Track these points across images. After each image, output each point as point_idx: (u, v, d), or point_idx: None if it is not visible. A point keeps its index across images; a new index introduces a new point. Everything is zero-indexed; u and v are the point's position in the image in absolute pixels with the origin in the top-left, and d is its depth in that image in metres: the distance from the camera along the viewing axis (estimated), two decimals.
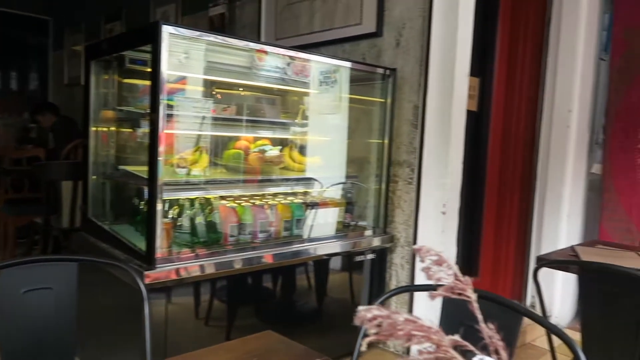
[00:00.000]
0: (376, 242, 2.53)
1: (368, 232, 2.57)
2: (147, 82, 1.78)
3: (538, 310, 3.31)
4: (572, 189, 3.30)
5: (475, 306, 0.42)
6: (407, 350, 2.28)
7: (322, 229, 2.42)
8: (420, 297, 2.46)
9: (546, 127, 3.29)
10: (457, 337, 0.40)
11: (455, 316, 1.14)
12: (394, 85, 2.46)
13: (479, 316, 0.41)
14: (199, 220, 2.05)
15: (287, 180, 2.49)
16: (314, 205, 2.39)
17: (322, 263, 2.37)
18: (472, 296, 0.41)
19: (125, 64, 2.17)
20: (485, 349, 0.41)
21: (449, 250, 2.46)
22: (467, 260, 3.38)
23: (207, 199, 2.12)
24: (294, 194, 2.48)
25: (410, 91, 2.44)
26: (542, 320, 1.01)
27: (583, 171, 3.44)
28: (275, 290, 2.25)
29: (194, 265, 1.87)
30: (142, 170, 1.89)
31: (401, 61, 2.47)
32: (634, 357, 1.46)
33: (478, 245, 3.39)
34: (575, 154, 3.28)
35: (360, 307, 0.39)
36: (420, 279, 2.43)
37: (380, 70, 2.48)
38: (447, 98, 2.32)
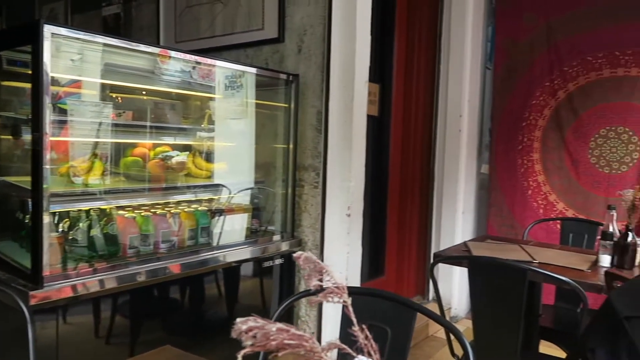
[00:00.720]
0: (284, 246, 2.55)
1: (276, 237, 2.58)
2: (29, 85, 1.64)
3: (444, 303, 3.52)
4: (465, 188, 3.56)
5: (350, 310, 0.43)
6: None
7: (229, 236, 2.39)
8: None
9: (441, 131, 3.52)
10: (336, 341, 0.42)
11: (356, 317, 1.18)
12: (296, 91, 2.50)
13: (354, 319, 0.43)
14: (95, 232, 1.93)
15: (192, 187, 2.42)
16: (219, 212, 2.34)
17: (231, 270, 2.34)
18: (347, 301, 0.43)
19: (3, 65, 1.98)
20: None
21: (355, 251, 2.54)
22: (374, 261, 3.52)
23: (103, 210, 2.00)
24: (199, 201, 2.42)
25: (313, 96, 2.49)
26: (431, 313, 1.08)
27: (474, 171, 3.73)
28: (184, 302, 2.18)
29: (92, 280, 1.76)
30: (25, 180, 1.74)
31: (303, 67, 2.51)
32: (518, 340, 1.61)
33: (383, 246, 3.53)
34: (467, 155, 3.54)
35: (238, 319, 0.39)
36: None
37: (283, 76, 2.50)
38: (348, 103, 2.40)
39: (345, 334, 1.18)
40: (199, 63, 2.23)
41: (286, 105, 2.55)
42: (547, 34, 3.44)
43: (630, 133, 3.19)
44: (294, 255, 0.49)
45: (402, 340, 1.10)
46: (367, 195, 3.25)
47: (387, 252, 3.54)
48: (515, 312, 1.58)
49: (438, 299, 1.83)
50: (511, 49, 3.58)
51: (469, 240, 2.46)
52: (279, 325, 0.38)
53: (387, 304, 1.15)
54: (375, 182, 3.40)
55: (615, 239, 2.02)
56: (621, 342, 0.66)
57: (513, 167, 3.61)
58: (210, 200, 2.46)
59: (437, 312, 1.94)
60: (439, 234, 3.51)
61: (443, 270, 3.52)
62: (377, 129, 3.40)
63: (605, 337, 0.69)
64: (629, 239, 1.98)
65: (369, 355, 0.39)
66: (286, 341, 0.37)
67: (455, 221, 3.49)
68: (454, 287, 3.52)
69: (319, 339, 2.47)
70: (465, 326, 3.23)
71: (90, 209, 1.96)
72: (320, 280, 0.44)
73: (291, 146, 2.53)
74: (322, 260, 2.45)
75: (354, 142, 2.43)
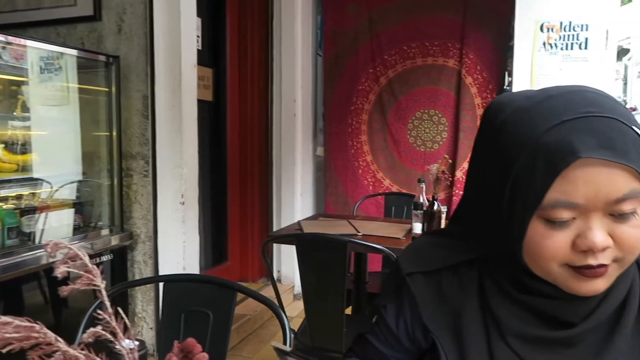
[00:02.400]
0: (114, 241, 2.38)
1: (105, 232, 2.40)
2: None
3: (287, 282, 3.63)
4: (302, 170, 3.71)
5: (104, 294, 0.42)
6: None
7: (50, 235, 2.15)
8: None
9: (277, 115, 3.60)
10: (96, 330, 0.40)
11: (177, 304, 1.16)
12: (117, 74, 2.33)
13: (107, 303, 0.41)
14: None
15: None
16: (31, 209, 2.09)
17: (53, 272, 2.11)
18: (101, 285, 0.41)
19: None
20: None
21: (192, 239, 2.48)
22: (217, 247, 3.49)
23: None
24: (5, 198, 2.13)
25: (138, 80, 2.35)
26: (249, 291, 1.10)
27: (310, 154, 3.90)
28: None
29: None
30: None
31: (125, 48, 2.35)
32: (342, 307, 1.74)
33: (225, 232, 3.52)
34: (302, 139, 3.68)
35: None
36: (165, 272, 2.39)
37: (102, 58, 2.31)
38: (176, 88, 2.31)
39: (165, 322, 1.15)
40: (9, 43, 1.95)
41: (108, 89, 2.37)
42: (369, 24, 3.72)
43: (440, 115, 3.63)
44: (43, 243, 0.46)
45: (224, 322, 1.11)
46: (204, 181, 3.20)
47: (230, 238, 3.54)
48: (340, 282, 1.70)
49: (271, 277, 1.89)
50: (338, 38, 3.80)
51: (303, 220, 2.58)
52: (4, 318, 0.35)
53: (208, 287, 1.15)
54: (213, 168, 3.36)
55: (424, 209, 2.29)
56: (405, 297, 0.74)
57: (344, 148, 3.85)
58: (20, 197, 2.19)
59: (273, 291, 2.00)
60: (280, 216, 3.61)
61: (286, 251, 3.65)
62: (213, 114, 3.35)
63: (393, 294, 0.76)
64: (435, 207, 2.26)
65: (114, 335, 0.38)
66: (8, 335, 0.34)
67: (294, 203, 3.62)
68: (295, 265, 3.66)
69: (158, 334, 2.37)
70: None
71: None
72: (69, 265, 0.42)
73: (115, 133, 2.36)
74: (157, 251, 2.35)
75: (185, 128, 2.36)
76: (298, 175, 3.63)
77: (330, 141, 3.91)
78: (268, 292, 2.30)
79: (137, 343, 0.42)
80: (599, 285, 0.59)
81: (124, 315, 0.39)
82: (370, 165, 3.83)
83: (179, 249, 2.40)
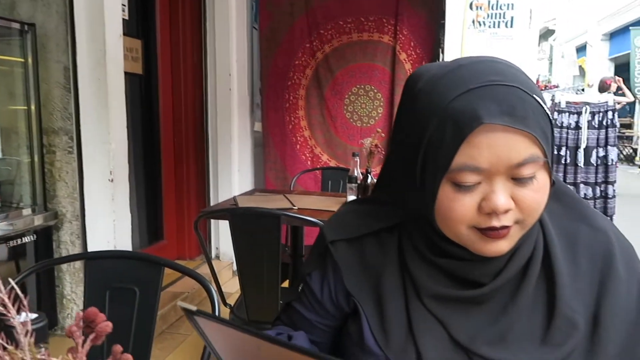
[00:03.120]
0: (38, 221, 2.26)
1: (27, 212, 2.27)
2: None
3: (226, 259, 3.61)
4: (240, 146, 3.66)
5: None
6: None
7: None
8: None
9: (212, 89, 3.51)
10: None
11: (101, 282, 1.12)
12: (34, 43, 2.17)
13: None
14: None
15: None
16: None
17: None
18: None
19: None
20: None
21: (123, 217, 2.40)
22: (152, 225, 3.40)
23: None
24: None
25: (58, 50, 2.21)
26: (177, 265, 1.09)
27: (248, 129, 3.85)
28: None
29: None
30: None
31: (42, 16, 2.19)
32: (277, 280, 1.75)
33: (160, 209, 3.43)
34: (239, 114, 3.62)
35: None
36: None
37: (16, 25, 2.15)
38: (100, 59, 2.19)
39: (90, 300, 1.12)
40: None
41: (23, 60, 2.21)
42: None
43: (375, 90, 3.68)
44: None
45: (151, 298, 1.10)
46: (136, 158, 3.09)
47: (166, 215, 3.46)
48: (274, 256, 1.71)
49: (205, 253, 1.87)
50: (274, 11, 3.73)
51: (239, 195, 2.56)
52: None
53: (134, 263, 1.12)
54: (146, 143, 3.25)
55: (358, 182, 2.33)
56: (328, 264, 0.75)
57: (282, 124, 3.84)
58: None
59: (208, 267, 1.98)
60: (217, 192, 3.56)
61: (224, 228, 3.61)
62: (144, 87, 3.22)
63: (317, 261, 0.77)
64: (369, 180, 2.32)
65: (4, 307, 0.36)
66: None
67: (232, 178, 3.57)
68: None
69: None
70: None
71: None
72: None
73: (33, 107, 2.21)
74: (85, 231, 2.26)
75: (112, 102, 2.26)
76: (235, 151, 3.58)
77: (267, 116, 3.87)
78: (206, 270, 2.28)
79: (34, 316, 0.41)
80: (502, 246, 0.63)
81: (17, 289, 0.37)
82: (308, 140, 3.84)
83: (109, 228, 2.32)
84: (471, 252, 0.65)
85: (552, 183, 0.64)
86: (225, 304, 2.01)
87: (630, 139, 12.41)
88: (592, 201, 3.29)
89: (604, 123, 3.22)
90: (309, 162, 3.83)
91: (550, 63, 12.78)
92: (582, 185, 3.28)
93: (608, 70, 14.37)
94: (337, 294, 0.74)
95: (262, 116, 3.89)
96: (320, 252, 0.77)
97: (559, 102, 3.28)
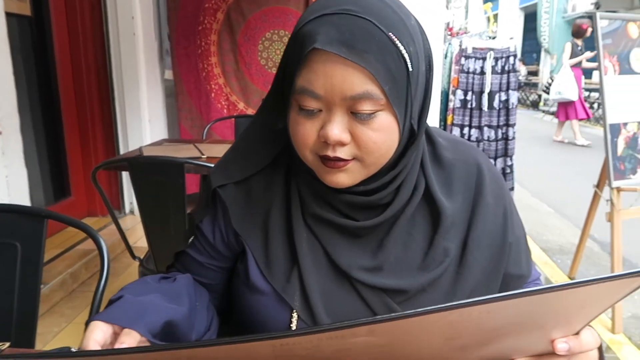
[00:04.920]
0: None
1: None
2: None
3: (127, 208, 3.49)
4: (149, 95, 3.48)
5: None
6: None
7: None
8: None
9: (114, 33, 3.27)
10: None
11: None
12: None
13: None
14: None
15: None
16: None
17: None
18: None
19: None
20: None
21: (17, 173, 2.23)
22: (57, 182, 3.20)
23: None
24: None
25: None
26: (62, 216, 1.04)
27: (158, 77, 3.65)
28: None
29: None
30: None
31: None
32: (184, 230, 1.73)
33: (65, 164, 3.23)
34: (146, 60, 3.41)
35: None
36: None
37: None
38: None
39: None
40: None
41: None
42: None
43: (289, 35, 3.60)
44: None
45: (35, 252, 1.04)
46: (32, 108, 2.85)
47: (71, 170, 3.26)
48: (180, 205, 1.68)
49: (107, 206, 1.79)
50: None
51: (146, 145, 2.45)
52: None
53: (13, 217, 1.05)
54: (42, 93, 2.99)
55: None
56: (218, 208, 0.75)
57: (195, 71, 3.67)
58: None
59: (124, 223, 1.91)
60: (127, 144, 3.40)
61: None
62: (34, 31, 2.93)
63: (207, 207, 0.77)
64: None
65: None
66: None
67: (143, 129, 3.41)
68: None
69: None
70: None
71: None
72: None
73: None
74: None
75: None
76: (144, 100, 3.41)
77: (179, 63, 3.69)
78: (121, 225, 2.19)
79: None
80: (341, 178, 0.64)
81: None
82: (223, 88, 3.72)
83: (1, 184, 2.15)
84: (355, 187, 0.67)
85: (413, 127, 0.65)
86: (134, 257, 1.96)
87: (536, 85, 13.23)
88: (495, 142, 3.51)
89: (506, 68, 3.39)
90: (225, 111, 3.73)
91: (467, 11, 13.13)
92: (485, 128, 3.48)
93: (518, 19, 15.02)
94: (228, 235, 0.75)
95: (173, 63, 3.70)
96: (209, 198, 0.77)
97: (466, 48, 3.40)
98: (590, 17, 2.60)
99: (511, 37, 3.60)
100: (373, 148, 0.62)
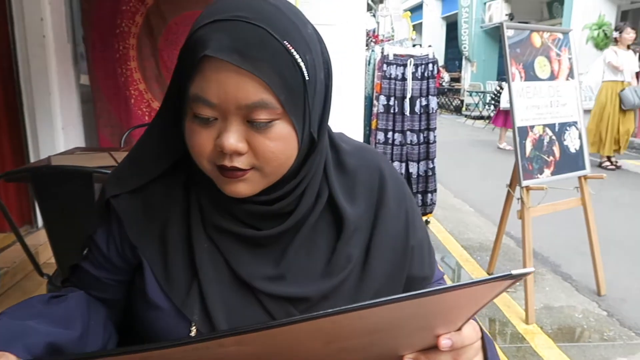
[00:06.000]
0: None
1: None
2: None
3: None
4: (62, 101, 3.28)
5: None
6: None
7: None
8: None
9: (20, 36, 3.06)
10: None
11: None
12: None
13: None
14: None
15: None
16: None
17: None
18: None
19: None
20: None
21: None
22: None
23: None
24: None
25: None
26: None
27: (72, 82, 3.46)
28: None
29: None
30: None
31: None
32: None
33: None
34: (58, 64, 3.22)
35: None
36: None
37: None
38: None
39: None
40: None
41: None
42: None
43: None
44: None
45: None
46: None
47: None
48: (89, 217, 1.58)
49: (9, 220, 1.66)
50: None
51: (55, 155, 2.31)
52: None
53: None
54: None
55: None
56: (112, 219, 0.71)
57: (113, 76, 3.51)
58: None
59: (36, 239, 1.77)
60: (38, 153, 3.18)
61: None
62: None
63: (101, 219, 0.73)
64: None
65: None
66: None
67: (55, 137, 3.21)
68: None
69: None
70: None
71: None
72: None
73: None
74: None
75: None
76: (57, 106, 3.21)
77: (96, 68, 3.51)
78: (33, 241, 2.05)
79: None
80: (240, 188, 0.63)
81: None
82: (144, 94, 3.59)
83: None
84: (256, 197, 0.66)
85: (313, 137, 0.64)
86: (41, 274, 1.83)
87: (458, 91, 13.92)
88: (417, 146, 3.63)
89: (426, 74, 3.53)
90: (146, 117, 3.59)
91: (392, 19, 13.56)
92: (408, 133, 3.59)
93: (440, 28, 15.75)
94: (124, 248, 0.72)
95: (89, 68, 3.51)
96: (103, 209, 0.73)
97: (387, 55, 3.50)
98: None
99: (429, 45, 3.74)
100: (271, 157, 0.61)
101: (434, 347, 0.52)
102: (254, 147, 0.60)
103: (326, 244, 0.71)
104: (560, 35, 2.79)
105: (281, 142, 0.60)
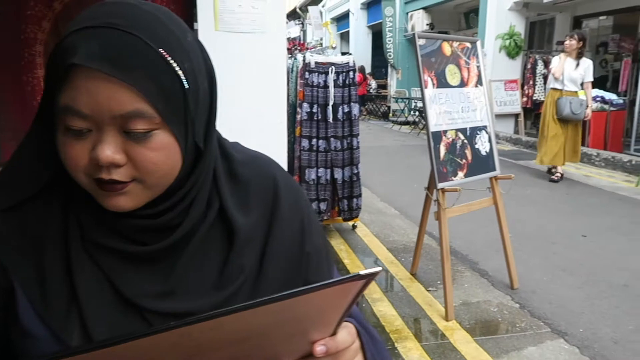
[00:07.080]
0: None
1: None
2: None
3: None
4: None
5: None
6: None
7: None
8: None
9: None
10: None
11: None
12: None
13: None
14: None
15: None
16: None
17: None
18: None
19: None
20: None
21: None
22: None
23: None
24: None
25: None
26: None
27: None
28: None
29: None
30: None
31: None
32: None
33: None
34: None
35: None
36: None
37: None
38: None
39: None
40: None
41: None
42: None
43: None
44: None
45: None
46: None
47: None
48: None
49: None
50: None
51: None
52: None
53: None
54: None
55: None
56: None
57: (19, 86, 3.28)
58: None
59: None
60: None
61: None
62: None
63: None
64: None
65: None
66: None
67: None
68: None
69: None
70: None
71: None
72: None
73: None
74: None
75: None
76: None
77: (0, 78, 3.27)
78: None
79: None
80: (121, 202, 0.61)
81: None
82: None
83: None
84: (140, 210, 0.63)
85: (199, 147, 0.63)
86: None
87: (385, 97, 14.35)
88: (342, 152, 3.69)
89: (347, 82, 3.60)
90: None
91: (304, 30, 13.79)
92: (332, 139, 3.64)
93: (367, 37, 16.19)
94: None
95: None
96: None
97: (309, 63, 3.54)
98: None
99: (350, 53, 3.83)
100: (153, 169, 0.59)
101: (311, 355, 0.52)
102: (133, 159, 0.58)
103: (218, 256, 0.70)
104: (469, 45, 2.95)
105: (162, 153, 0.59)
